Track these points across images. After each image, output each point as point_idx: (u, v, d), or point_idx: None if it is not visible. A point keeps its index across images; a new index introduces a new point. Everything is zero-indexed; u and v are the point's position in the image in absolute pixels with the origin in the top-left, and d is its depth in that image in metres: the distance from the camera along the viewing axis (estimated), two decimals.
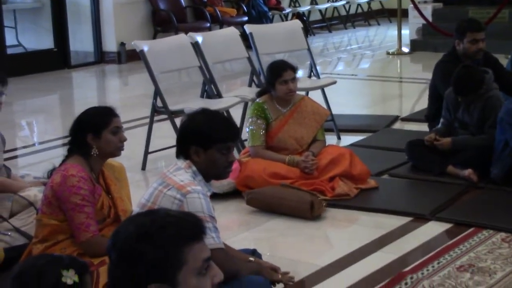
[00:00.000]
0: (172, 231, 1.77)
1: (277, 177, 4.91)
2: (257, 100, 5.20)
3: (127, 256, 1.76)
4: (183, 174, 3.18)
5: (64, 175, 3.52)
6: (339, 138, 6.46)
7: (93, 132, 3.59)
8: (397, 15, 11.26)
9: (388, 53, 11.11)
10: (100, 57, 10.89)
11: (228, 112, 5.88)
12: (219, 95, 5.93)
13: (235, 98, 5.80)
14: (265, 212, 4.75)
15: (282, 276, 3.41)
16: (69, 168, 3.55)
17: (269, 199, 4.72)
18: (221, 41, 6.18)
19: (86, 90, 9.93)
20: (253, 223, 4.65)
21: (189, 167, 3.21)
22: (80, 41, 10.86)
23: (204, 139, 3.20)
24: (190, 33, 5.99)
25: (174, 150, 3.35)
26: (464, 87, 5.14)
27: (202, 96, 6.03)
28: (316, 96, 6.50)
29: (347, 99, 8.22)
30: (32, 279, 2.09)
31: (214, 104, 5.71)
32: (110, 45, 10.84)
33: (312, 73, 6.78)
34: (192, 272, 1.78)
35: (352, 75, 9.97)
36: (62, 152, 6.75)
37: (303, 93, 6.07)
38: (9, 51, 10.59)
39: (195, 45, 5.90)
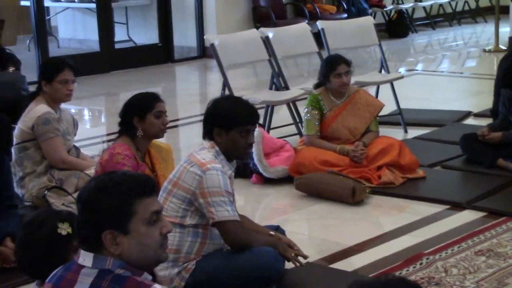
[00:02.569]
0: (125, 186, 2.16)
1: (327, 164, 5.22)
2: (313, 91, 5.52)
3: (87, 206, 2.16)
4: (206, 153, 3.56)
5: (111, 153, 4.01)
6: (406, 131, 6.67)
7: (138, 115, 4.05)
8: (508, 12, 11.23)
9: (484, 50, 11.10)
10: (203, 51, 11.41)
11: (294, 103, 6.24)
12: (286, 87, 6.29)
13: (300, 90, 6.14)
14: (312, 197, 5.06)
15: (295, 253, 3.66)
16: (116, 147, 4.03)
17: (315, 184, 5.04)
18: (292, 36, 6.52)
19: (187, 83, 10.46)
20: (298, 206, 4.99)
21: (212, 147, 3.58)
22: (184, 36, 11.43)
23: (225, 121, 3.56)
24: (262, 28, 6.38)
25: None
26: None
27: (270, 88, 6.40)
28: (385, 90, 6.78)
29: (429, 94, 8.39)
30: (35, 228, 2.55)
31: (279, 96, 6.09)
32: None
33: (382, 68, 7.01)
34: (141, 221, 2.16)
35: (447, 72, 10.09)
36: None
37: (374, 88, 6.32)
38: (121, 46, 11.33)
39: (266, 40, 6.27)
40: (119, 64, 10.65)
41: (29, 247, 2.52)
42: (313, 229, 4.62)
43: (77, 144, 5.30)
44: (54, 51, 11.28)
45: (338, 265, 4.00)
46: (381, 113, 6.80)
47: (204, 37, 6.33)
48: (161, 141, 4.36)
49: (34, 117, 4.62)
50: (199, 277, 3.51)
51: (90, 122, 8.41)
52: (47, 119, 4.61)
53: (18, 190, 4.71)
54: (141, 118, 4.05)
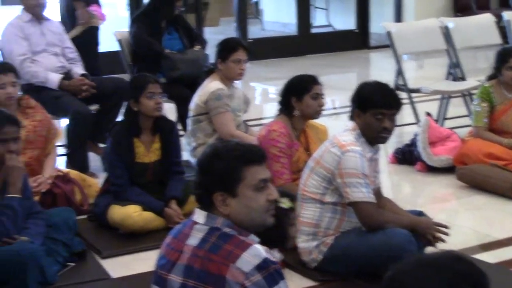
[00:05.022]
0: (236, 153, 2.39)
1: (492, 157, 5.16)
2: (485, 84, 5.47)
3: (202, 169, 2.43)
4: (348, 135, 3.71)
5: (268, 129, 4.28)
6: None
7: (296, 96, 4.28)
8: None
9: None
10: None
11: (470, 95, 6.20)
12: (463, 78, 6.25)
13: (476, 82, 6.08)
14: (473, 188, 5.05)
15: (434, 235, 3.71)
16: (273, 124, 4.30)
17: (476, 175, 5.02)
18: (474, 27, 6.46)
19: (381, 71, 10.52)
20: (457, 195, 5.00)
21: (355, 129, 3.73)
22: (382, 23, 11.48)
23: (362, 103, 3.69)
24: (441, 18, 6.38)
25: None
26: None
27: (447, 78, 6.39)
28: None
29: None
30: None
31: (453, 86, 6.08)
32: None
33: None
34: (249, 186, 2.38)
35: None
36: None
37: None
38: (319, 30, 11.62)
39: (445, 29, 6.27)
40: (315, 48, 10.94)
41: None
42: (465, 219, 4.63)
43: (261, 122, 5.54)
44: (256, 32, 11.81)
45: (481, 256, 4.00)
46: None
47: (381, 24, 6.39)
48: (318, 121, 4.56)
49: (208, 92, 4.98)
50: (336, 251, 3.69)
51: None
52: (219, 95, 4.95)
53: (191, 159, 5.11)
54: (298, 98, 4.28)
